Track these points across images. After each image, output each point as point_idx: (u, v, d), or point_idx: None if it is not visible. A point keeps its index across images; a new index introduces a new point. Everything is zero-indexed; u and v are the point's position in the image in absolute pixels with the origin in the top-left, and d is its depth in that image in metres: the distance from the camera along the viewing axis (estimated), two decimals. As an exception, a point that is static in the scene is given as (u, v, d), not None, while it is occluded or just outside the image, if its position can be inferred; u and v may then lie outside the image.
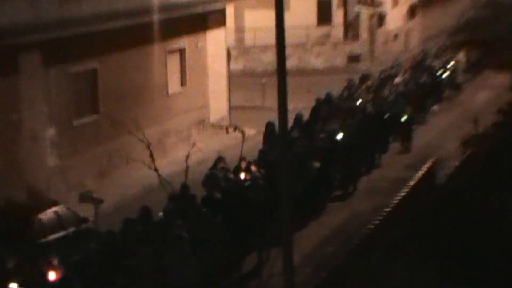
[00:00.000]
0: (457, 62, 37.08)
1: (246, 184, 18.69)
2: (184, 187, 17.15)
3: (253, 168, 19.66)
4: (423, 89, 31.77)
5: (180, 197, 17.01)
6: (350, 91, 29.07)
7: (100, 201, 19.43)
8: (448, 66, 35.79)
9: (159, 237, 15.17)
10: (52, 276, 14.69)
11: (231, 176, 19.16)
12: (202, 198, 17.65)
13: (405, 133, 27.97)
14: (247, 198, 17.95)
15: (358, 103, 27.34)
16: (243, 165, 19.78)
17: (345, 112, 25.90)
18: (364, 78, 31.21)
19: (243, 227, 17.42)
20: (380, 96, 28.70)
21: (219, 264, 16.13)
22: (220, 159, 19.86)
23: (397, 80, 31.38)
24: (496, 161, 17.21)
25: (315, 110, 26.18)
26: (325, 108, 26.30)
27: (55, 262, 14.86)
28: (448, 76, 35.10)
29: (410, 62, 35.68)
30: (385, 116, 26.86)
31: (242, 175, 19.00)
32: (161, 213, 16.89)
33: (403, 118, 27.74)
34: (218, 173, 18.71)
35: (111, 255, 14.85)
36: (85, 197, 19.51)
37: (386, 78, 31.54)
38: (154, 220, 16.30)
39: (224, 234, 16.69)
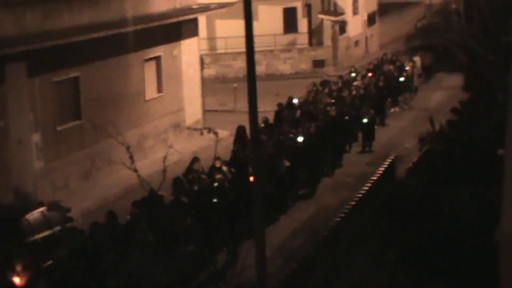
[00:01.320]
0: (412, 66, 37.21)
1: (214, 185, 18.40)
2: (152, 191, 16.79)
3: (224, 168, 19.48)
4: (382, 92, 31.80)
5: (149, 200, 16.63)
6: (312, 95, 29.10)
7: (68, 210, 19.14)
8: (404, 70, 35.90)
9: (124, 242, 14.69)
10: (16, 281, 13.71)
11: (204, 177, 18.90)
12: (170, 201, 17.32)
13: (367, 134, 27.86)
14: (211, 201, 17.69)
15: (320, 106, 27.30)
16: (218, 164, 19.69)
17: (308, 115, 25.87)
18: (325, 83, 31.22)
19: (210, 227, 17.13)
20: (341, 99, 28.67)
21: (191, 262, 15.72)
22: (195, 159, 19.68)
23: (356, 84, 31.39)
24: (450, 156, 17.32)
25: (278, 114, 26.17)
26: (287, 112, 26.25)
27: (19, 267, 13.85)
28: (405, 80, 35.19)
29: (369, 66, 35.80)
30: (346, 118, 26.74)
31: (218, 176, 18.79)
32: (128, 216, 16.58)
33: (365, 120, 27.66)
34: (183, 178, 18.34)
35: (79, 260, 14.22)
36: (53, 207, 19.15)
37: (346, 82, 31.57)
38: (120, 223, 15.89)
39: (194, 234, 16.33)
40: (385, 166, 21.87)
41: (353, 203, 18.50)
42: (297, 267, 14.30)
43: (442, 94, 36.57)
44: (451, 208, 13.46)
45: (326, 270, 13.88)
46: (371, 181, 20.31)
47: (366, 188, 19.71)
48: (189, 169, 19.67)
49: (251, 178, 18.76)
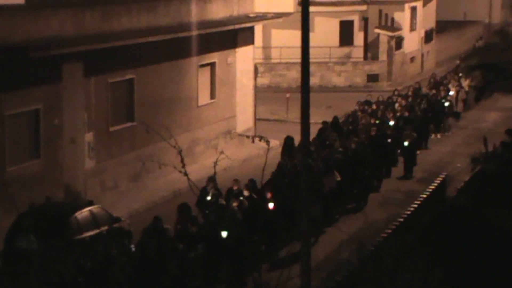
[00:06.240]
0: (458, 90, 36.05)
1: (224, 216, 17.34)
2: (157, 219, 16.47)
3: (246, 192, 18.72)
4: (425, 115, 30.58)
5: (152, 230, 16.20)
6: (355, 115, 28.62)
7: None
8: (450, 94, 34.72)
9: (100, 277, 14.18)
10: None
11: (223, 201, 18.27)
12: (175, 231, 16.86)
13: (408, 159, 26.36)
14: (217, 235, 16.63)
15: (360, 126, 26.80)
16: (235, 187, 18.96)
17: (347, 135, 25.34)
18: (367, 102, 30.75)
19: (215, 263, 16.41)
20: (383, 120, 28.10)
21: None
22: (210, 178, 18.64)
23: (399, 106, 30.65)
24: (502, 176, 17.09)
25: (320, 132, 25.51)
26: (330, 131, 25.62)
27: None
28: (450, 105, 33.96)
29: (413, 88, 34.97)
30: (389, 141, 25.84)
31: (234, 204, 17.93)
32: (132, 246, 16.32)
33: (406, 143, 26.20)
34: (189, 205, 17.37)
35: None
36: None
37: (389, 104, 30.98)
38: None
39: (194, 270, 15.64)
40: (436, 184, 21.68)
41: (401, 219, 18.38)
42: (341, 281, 14.23)
43: (497, 115, 36.04)
44: (500, 229, 13.28)
45: (371, 285, 13.77)
46: (421, 198, 20.15)
47: (415, 205, 19.57)
48: (204, 190, 18.60)
49: (270, 205, 18.45)
